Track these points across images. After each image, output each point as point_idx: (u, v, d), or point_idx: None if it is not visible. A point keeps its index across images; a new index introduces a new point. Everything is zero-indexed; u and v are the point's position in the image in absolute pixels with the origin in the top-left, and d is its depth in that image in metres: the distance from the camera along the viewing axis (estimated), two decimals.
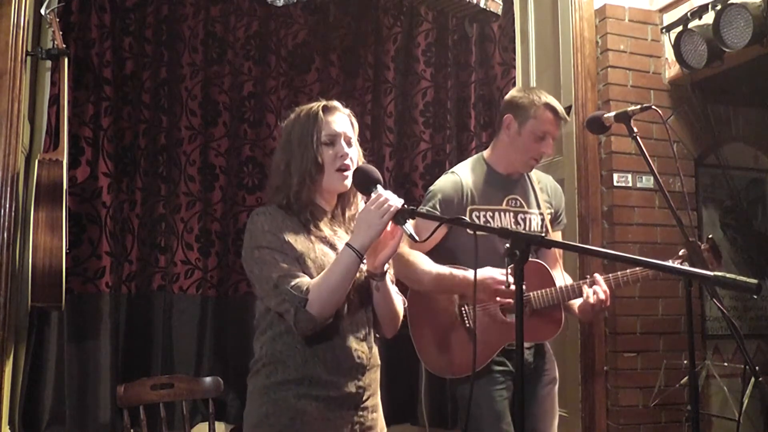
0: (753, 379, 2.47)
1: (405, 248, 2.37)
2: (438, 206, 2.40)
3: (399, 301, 1.82)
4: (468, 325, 2.37)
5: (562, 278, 2.47)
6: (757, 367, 2.08)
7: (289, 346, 1.70)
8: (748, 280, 1.21)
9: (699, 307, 3.48)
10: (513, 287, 1.39)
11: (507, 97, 2.53)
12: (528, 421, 2.39)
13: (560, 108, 2.43)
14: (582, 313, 2.38)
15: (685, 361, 3.02)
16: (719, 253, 2.27)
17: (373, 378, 1.79)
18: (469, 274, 2.30)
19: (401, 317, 1.83)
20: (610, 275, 2.37)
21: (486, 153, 2.56)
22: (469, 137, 3.63)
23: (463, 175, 2.46)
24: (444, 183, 2.46)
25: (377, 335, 1.84)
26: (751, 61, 3.04)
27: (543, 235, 2.46)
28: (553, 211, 2.54)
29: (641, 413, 3.18)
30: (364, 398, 1.75)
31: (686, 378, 3.00)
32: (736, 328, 2.05)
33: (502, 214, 2.44)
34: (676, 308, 3.25)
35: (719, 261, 2.26)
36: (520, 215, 2.47)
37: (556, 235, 2.55)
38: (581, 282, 2.34)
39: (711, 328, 3.55)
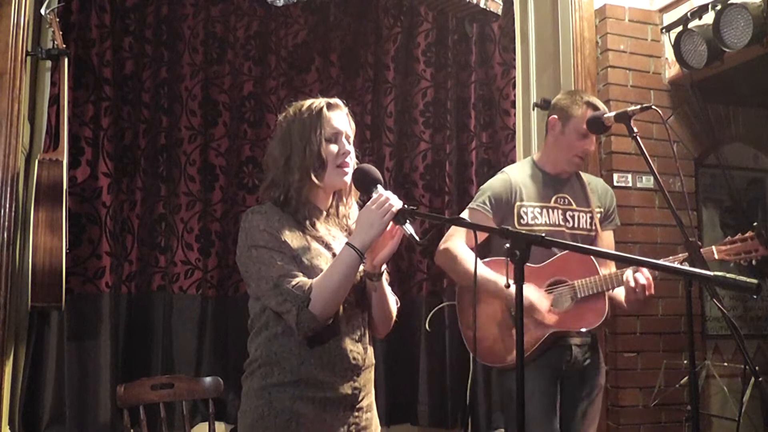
0: (753, 379, 2.46)
1: (455, 242, 2.46)
2: (487, 203, 2.48)
3: (393, 302, 1.81)
4: (514, 312, 2.39)
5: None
6: (757, 367, 2.07)
7: (285, 348, 1.69)
8: (748, 280, 1.21)
9: (699, 307, 3.48)
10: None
11: (553, 101, 2.65)
12: (567, 421, 2.45)
13: (602, 106, 2.52)
14: (628, 303, 2.40)
15: (685, 361, 3.02)
16: (766, 239, 2.23)
17: (368, 378, 1.79)
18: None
19: (394, 317, 1.83)
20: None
21: (536, 156, 2.65)
22: (469, 137, 3.63)
23: (512, 173, 2.55)
24: (494, 181, 2.56)
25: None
26: (751, 61, 3.04)
27: (593, 233, 2.54)
28: (603, 210, 2.59)
29: (641, 413, 3.18)
30: (360, 399, 1.74)
31: (686, 378, 3.00)
32: (736, 328, 2.05)
33: (551, 210, 2.50)
34: (676, 308, 3.26)
35: (766, 247, 2.23)
36: (569, 213, 2.52)
37: (607, 234, 2.59)
38: (624, 269, 2.35)
39: (711, 328, 3.55)
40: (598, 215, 2.56)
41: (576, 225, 2.52)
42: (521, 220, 2.46)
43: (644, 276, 2.28)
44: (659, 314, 3.26)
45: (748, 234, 2.27)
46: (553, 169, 2.56)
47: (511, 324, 2.42)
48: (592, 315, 2.41)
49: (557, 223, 2.49)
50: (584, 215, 2.54)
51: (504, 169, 2.64)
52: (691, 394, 1.80)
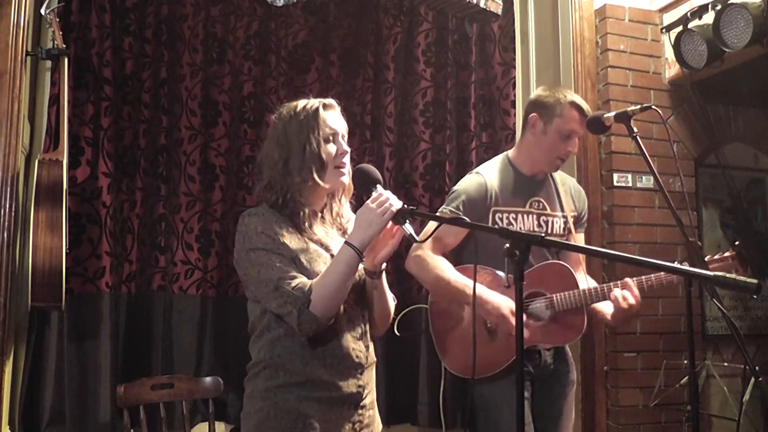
0: (753, 379, 2.47)
1: (427, 250, 2.38)
2: (462, 207, 2.40)
3: (391, 300, 1.82)
4: (489, 325, 2.38)
5: (584, 281, 2.46)
6: (757, 367, 2.08)
7: (288, 350, 1.69)
8: (748, 280, 1.21)
9: (699, 307, 3.48)
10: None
11: (532, 96, 2.55)
12: (544, 422, 2.43)
13: (586, 106, 2.45)
14: (614, 319, 2.37)
15: (685, 361, 3.02)
16: (746, 260, 2.23)
17: (371, 376, 1.80)
18: (485, 293, 2.30)
19: (392, 315, 1.83)
20: (643, 278, 2.34)
21: (511, 153, 2.56)
22: (469, 137, 3.62)
23: (487, 176, 2.46)
24: (468, 184, 2.46)
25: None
26: (751, 61, 3.04)
27: (565, 237, 2.49)
28: (576, 213, 2.55)
29: (641, 413, 3.19)
30: (364, 396, 1.75)
31: (686, 378, 3.00)
32: (736, 328, 2.05)
33: (525, 216, 2.45)
34: (676, 308, 3.25)
35: (746, 269, 2.22)
36: (543, 217, 2.48)
37: (579, 237, 2.55)
38: (612, 284, 2.32)
39: (711, 328, 3.55)
40: (572, 218, 2.52)
41: (550, 230, 2.48)
42: (495, 226, 2.39)
43: (633, 295, 2.27)
44: (659, 314, 3.26)
45: (729, 254, 2.26)
46: (530, 170, 2.49)
47: (485, 334, 2.38)
48: (570, 331, 2.37)
49: (531, 229, 2.44)
50: (558, 219, 2.50)
51: (478, 169, 2.54)
52: (691, 394, 1.80)
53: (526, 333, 2.32)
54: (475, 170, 2.54)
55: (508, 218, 2.42)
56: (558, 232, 2.49)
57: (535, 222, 2.46)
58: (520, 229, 2.42)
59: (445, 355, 2.46)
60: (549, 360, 2.44)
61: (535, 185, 2.50)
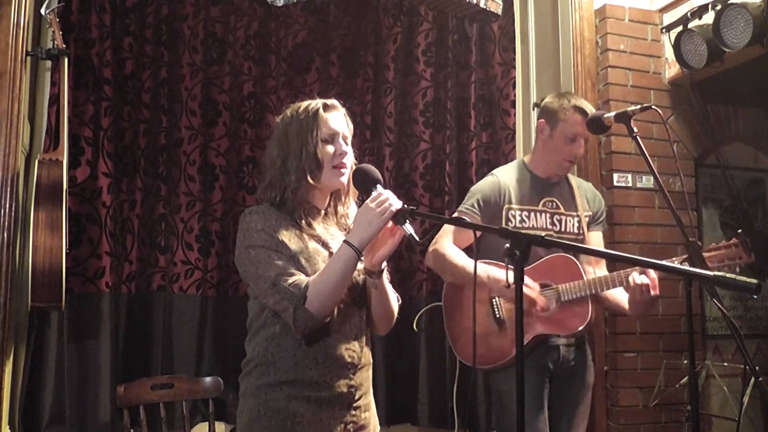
0: (753, 379, 2.46)
1: (444, 243, 2.49)
2: (476, 205, 2.51)
3: (394, 299, 1.81)
4: (498, 315, 2.45)
5: (594, 274, 2.49)
6: (757, 367, 2.07)
7: (281, 348, 1.69)
8: (748, 280, 1.21)
9: (699, 307, 3.48)
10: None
11: (542, 103, 2.67)
12: (559, 421, 2.47)
13: (590, 109, 2.53)
14: (633, 304, 2.38)
15: (685, 361, 3.02)
16: (749, 247, 2.24)
17: (365, 377, 1.79)
18: (497, 274, 2.38)
19: (396, 315, 1.83)
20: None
21: (526, 158, 2.69)
22: (469, 137, 3.63)
23: (501, 176, 2.58)
24: (483, 183, 2.60)
25: (371, 333, 1.84)
26: (751, 61, 3.04)
27: (580, 236, 2.56)
28: (591, 214, 2.61)
29: (641, 413, 3.19)
30: (357, 397, 1.75)
31: (686, 378, 3.00)
32: (736, 328, 2.05)
33: (538, 214, 2.53)
34: (676, 308, 3.26)
35: (750, 255, 2.24)
36: (556, 216, 2.56)
37: (596, 236, 2.62)
38: (629, 270, 2.33)
39: (711, 328, 3.55)
40: (586, 219, 2.58)
41: (563, 229, 2.55)
42: (509, 223, 2.49)
43: (649, 276, 2.27)
44: (659, 314, 3.26)
45: (733, 241, 2.27)
46: (544, 173, 2.59)
47: (494, 325, 2.45)
48: (575, 319, 2.42)
49: (544, 226, 2.52)
50: (572, 219, 2.57)
51: (494, 171, 2.66)
52: (691, 394, 1.80)
53: (533, 323, 2.39)
54: (491, 172, 2.66)
55: (521, 215, 2.51)
56: (572, 231, 2.56)
57: (549, 220, 2.54)
58: (533, 226, 2.51)
59: (456, 345, 2.55)
60: (568, 357, 2.48)
61: (549, 187, 2.58)
